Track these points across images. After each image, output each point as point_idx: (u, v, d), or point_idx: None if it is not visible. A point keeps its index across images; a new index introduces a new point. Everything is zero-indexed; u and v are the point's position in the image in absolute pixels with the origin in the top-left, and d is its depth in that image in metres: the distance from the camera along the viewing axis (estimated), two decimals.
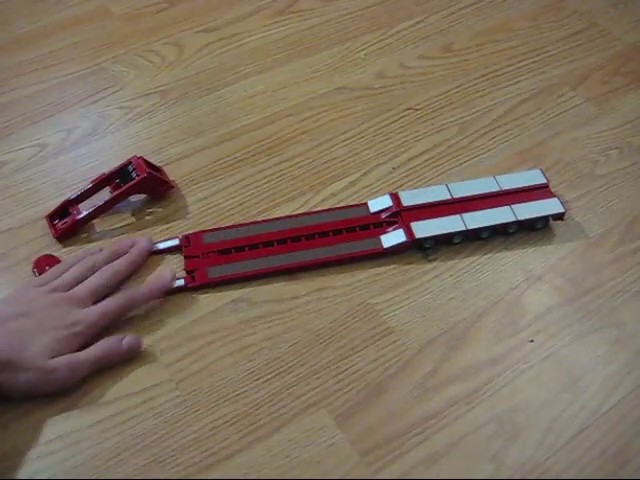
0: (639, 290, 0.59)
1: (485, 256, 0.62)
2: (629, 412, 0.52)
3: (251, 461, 0.50)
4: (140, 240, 0.62)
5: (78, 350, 0.53)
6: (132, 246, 0.61)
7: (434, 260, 0.61)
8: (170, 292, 0.59)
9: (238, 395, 0.53)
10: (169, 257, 0.62)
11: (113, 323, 0.56)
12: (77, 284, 0.57)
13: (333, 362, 0.55)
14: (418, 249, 0.62)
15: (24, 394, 0.52)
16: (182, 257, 0.61)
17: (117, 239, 0.63)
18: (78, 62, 0.81)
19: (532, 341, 0.56)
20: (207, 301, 0.59)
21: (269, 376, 0.54)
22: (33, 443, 0.50)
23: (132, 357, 0.55)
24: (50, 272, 0.59)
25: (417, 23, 0.86)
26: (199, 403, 0.52)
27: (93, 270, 0.58)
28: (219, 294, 0.59)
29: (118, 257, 0.60)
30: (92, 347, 0.54)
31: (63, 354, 0.52)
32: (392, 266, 0.61)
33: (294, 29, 0.85)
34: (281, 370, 0.54)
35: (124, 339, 0.54)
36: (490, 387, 0.53)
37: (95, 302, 0.56)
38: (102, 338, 0.55)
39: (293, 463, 0.50)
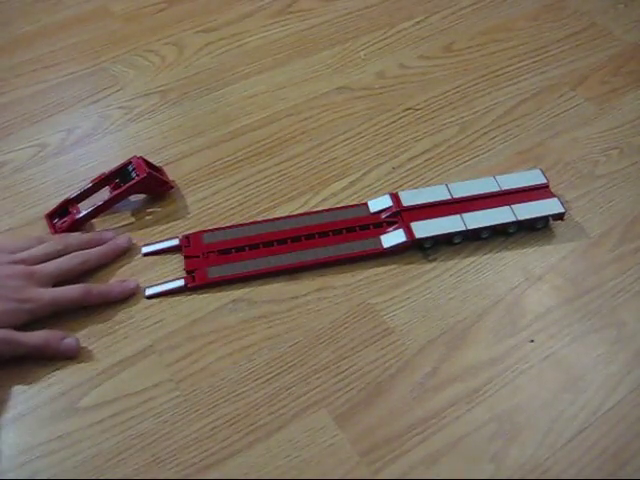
0: (639, 290, 0.59)
1: (485, 256, 0.62)
2: (629, 412, 0.52)
3: (251, 461, 0.50)
4: (120, 237, 0.62)
5: (22, 326, 0.54)
6: (112, 239, 0.62)
7: (434, 260, 0.61)
8: (170, 293, 0.59)
9: (238, 395, 0.53)
10: (169, 257, 0.62)
11: (63, 311, 0.56)
12: (44, 261, 0.57)
13: (333, 362, 0.55)
14: (418, 249, 0.62)
15: None
16: (182, 257, 0.61)
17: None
18: (78, 62, 0.82)
19: (532, 341, 0.56)
20: (207, 301, 0.59)
21: (269, 376, 0.54)
22: (33, 443, 0.50)
23: (68, 357, 0.54)
24: (21, 241, 0.59)
25: (417, 23, 0.86)
26: (199, 403, 0.52)
27: (64, 252, 0.59)
28: (219, 294, 0.59)
29: (94, 245, 0.60)
30: (34, 333, 0.54)
31: (8, 326, 0.53)
32: (392, 266, 0.61)
33: (294, 29, 0.85)
34: (281, 370, 0.54)
35: (65, 339, 0.55)
36: (490, 387, 0.53)
37: (55, 284, 0.57)
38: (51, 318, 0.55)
39: (293, 463, 0.50)
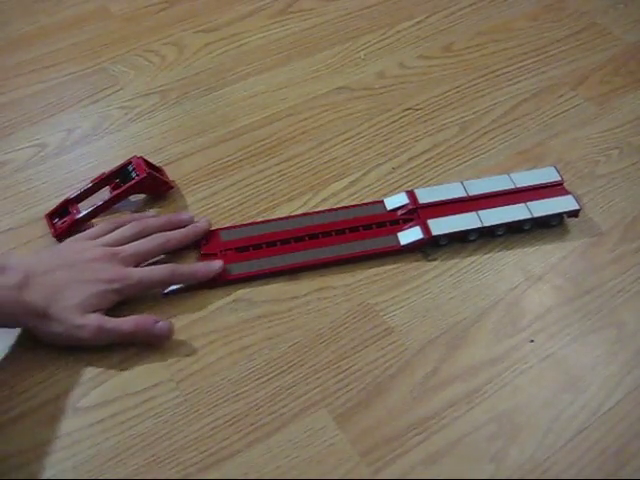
0: (639, 290, 0.59)
1: (485, 256, 0.62)
2: (629, 412, 0.52)
3: (251, 461, 0.50)
4: (200, 218, 0.63)
5: (112, 306, 0.55)
6: (190, 221, 0.62)
7: (434, 260, 0.61)
8: (189, 289, 0.59)
9: (238, 395, 0.53)
10: (184, 254, 0.61)
11: (150, 291, 0.57)
12: (126, 243, 0.58)
13: (333, 362, 0.55)
14: (433, 247, 0.62)
15: (53, 342, 0.54)
16: (198, 254, 0.61)
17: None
18: (78, 62, 0.82)
19: (532, 341, 0.56)
20: (207, 301, 0.59)
21: (269, 376, 0.54)
22: (33, 443, 0.50)
23: (160, 343, 0.55)
24: (100, 227, 0.60)
25: (417, 23, 0.86)
26: (199, 403, 0.52)
27: (143, 234, 0.59)
28: (219, 294, 0.59)
29: (172, 228, 0.61)
30: (126, 319, 0.55)
31: (99, 308, 0.54)
32: (392, 266, 0.61)
33: (294, 29, 0.85)
34: (281, 370, 0.54)
35: (158, 323, 0.55)
36: (490, 387, 0.53)
37: (137, 265, 0.57)
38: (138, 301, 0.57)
39: (293, 463, 0.50)
